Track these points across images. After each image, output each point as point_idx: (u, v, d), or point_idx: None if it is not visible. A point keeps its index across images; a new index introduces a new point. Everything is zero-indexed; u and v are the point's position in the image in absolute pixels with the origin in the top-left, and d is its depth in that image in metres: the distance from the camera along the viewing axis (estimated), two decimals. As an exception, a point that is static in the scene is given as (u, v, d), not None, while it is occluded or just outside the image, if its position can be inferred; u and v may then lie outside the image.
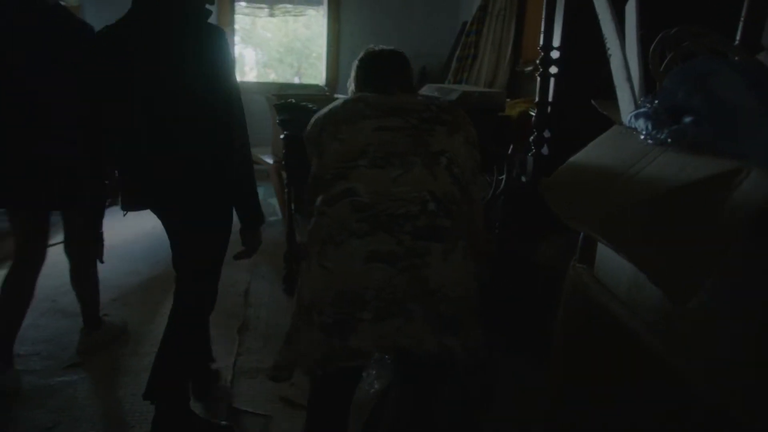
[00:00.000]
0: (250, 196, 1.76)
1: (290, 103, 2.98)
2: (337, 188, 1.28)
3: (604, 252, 1.11)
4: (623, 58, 1.10)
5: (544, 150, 2.47)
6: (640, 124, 0.96)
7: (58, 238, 3.75)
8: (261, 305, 2.95)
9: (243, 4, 6.49)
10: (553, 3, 2.35)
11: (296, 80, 7.81)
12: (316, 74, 5.90)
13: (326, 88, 5.60)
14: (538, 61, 2.44)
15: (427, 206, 1.23)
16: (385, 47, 1.70)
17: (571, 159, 1.10)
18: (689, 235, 0.78)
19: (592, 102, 1.31)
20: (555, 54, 2.39)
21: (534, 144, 2.47)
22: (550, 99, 2.43)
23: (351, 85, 1.67)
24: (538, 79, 2.43)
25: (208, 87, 1.64)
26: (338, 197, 1.27)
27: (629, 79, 1.08)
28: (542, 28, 2.39)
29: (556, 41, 2.37)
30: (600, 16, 1.21)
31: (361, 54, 1.69)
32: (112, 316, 2.68)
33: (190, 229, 1.80)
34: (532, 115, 3.10)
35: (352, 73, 1.67)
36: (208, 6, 1.78)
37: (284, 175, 3.94)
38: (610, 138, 1.07)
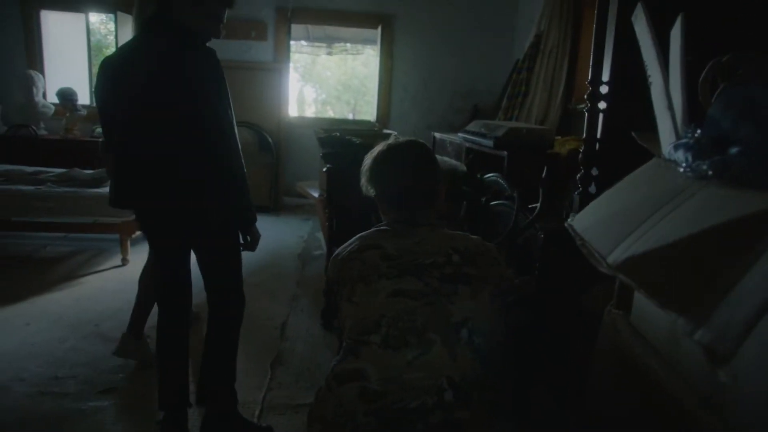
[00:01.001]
0: (244, 200, 1.91)
1: (334, 137, 2.98)
2: (348, 365, 1.16)
3: (641, 297, 1.00)
4: (664, 86, 1.01)
5: (592, 188, 2.34)
6: (680, 155, 0.86)
7: (106, 263, 3.88)
8: (297, 339, 2.89)
9: (303, 43, 6.70)
10: (603, 36, 2.26)
11: (350, 116, 7.93)
12: (372, 111, 5.96)
13: (377, 124, 5.64)
14: (586, 96, 2.34)
15: (444, 396, 1.10)
16: (410, 143, 1.48)
17: (604, 194, 1.00)
18: (732, 282, 0.67)
19: (633, 134, 1.22)
20: (604, 89, 2.29)
21: (581, 182, 2.35)
22: (598, 135, 2.31)
23: (368, 188, 1.49)
24: (586, 114, 2.33)
25: (193, 105, 1.76)
26: (347, 377, 1.15)
27: (670, 107, 0.99)
28: (591, 62, 2.30)
29: (606, 75, 2.27)
30: (640, 42, 1.13)
31: (380, 153, 1.47)
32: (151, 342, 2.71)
33: (201, 240, 1.96)
34: (580, 153, 2.98)
35: (367, 175, 1.47)
36: (208, 27, 1.85)
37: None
38: (647, 171, 0.97)
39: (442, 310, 1.18)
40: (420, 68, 5.68)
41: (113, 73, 1.87)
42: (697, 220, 0.73)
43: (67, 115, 5.21)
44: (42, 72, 5.30)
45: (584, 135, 2.36)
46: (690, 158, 0.83)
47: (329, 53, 8.26)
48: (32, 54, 5.33)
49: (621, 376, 1.01)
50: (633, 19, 1.16)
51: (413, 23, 5.53)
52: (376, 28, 5.60)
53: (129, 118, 1.82)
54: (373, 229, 1.40)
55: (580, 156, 2.39)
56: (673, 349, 0.89)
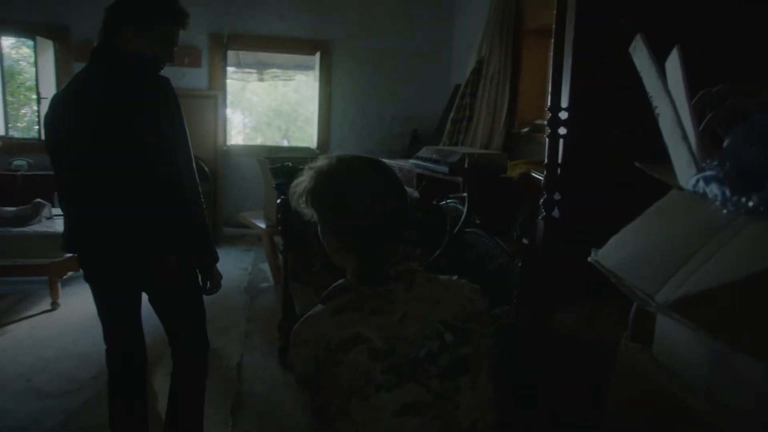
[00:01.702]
0: (203, 238, 1.80)
1: (287, 167, 2.89)
2: None
3: (668, 330, 0.99)
4: (676, 118, 1.01)
5: (555, 213, 2.37)
6: (713, 189, 0.85)
7: (34, 309, 3.55)
8: (255, 380, 2.74)
9: (233, 69, 6.53)
10: (560, 63, 2.31)
11: (285, 143, 7.81)
12: (304, 137, 5.88)
13: (317, 151, 5.56)
14: (546, 122, 2.38)
15: None
16: (372, 159, 1.21)
17: (627, 229, 0.98)
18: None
19: (637, 164, 1.22)
20: (563, 114, 2.33)
21: (544, 207, 2.37)
22: (559, 160, 2.35)
23: (317, 218, 1.18)
24: (547, 140, 2.36)
25: (145, 140, 1.65)
26: None
27: (685, 138, 0.98)
28: (549, 89, 2.34)
29: (564, 101, 2.32)
30: (642, 74, 1.13)
31: (341, 170, 1.15)
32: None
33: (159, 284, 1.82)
34: (533, 177, 3.03)
35: (318, 200, 1.15)
36: (160, 53, 1.78)
37: (278, 240, 3.83)
38: (672, 205, 0.96)
39: (451, 421, 1.05)
40: (358, 94, 5.66)
41: (61, 109, 1.74)
42: (756, 257, 0.71)
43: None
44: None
45: (546, 160, 2.40)
46: (727, 192, 0.82)
47: (260, 79, 8.09)
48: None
49: (649, 414, 0.99)
50: (631, 50, 1.17)
51: (351, 49, 5.52)
52: (314, 54, 5.55)
53: (78, 155, 1.70)
54: (337, 298, 1.10)
55: (543, 181, 2.41)
56: (714, 384, 0.87)
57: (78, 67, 5.46)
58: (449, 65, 5.68)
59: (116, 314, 1.87)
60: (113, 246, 1.73)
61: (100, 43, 1.75)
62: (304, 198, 1.16)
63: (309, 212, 1.18)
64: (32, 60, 7.19)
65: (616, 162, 2.35)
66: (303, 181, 1.16)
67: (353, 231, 1.13)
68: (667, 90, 1.05)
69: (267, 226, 4.02)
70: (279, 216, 2.98)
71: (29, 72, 7.47)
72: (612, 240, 1.00)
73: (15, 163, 4.85)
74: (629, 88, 2.29)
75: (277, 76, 8.88)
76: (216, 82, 5.28)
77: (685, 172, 0.98)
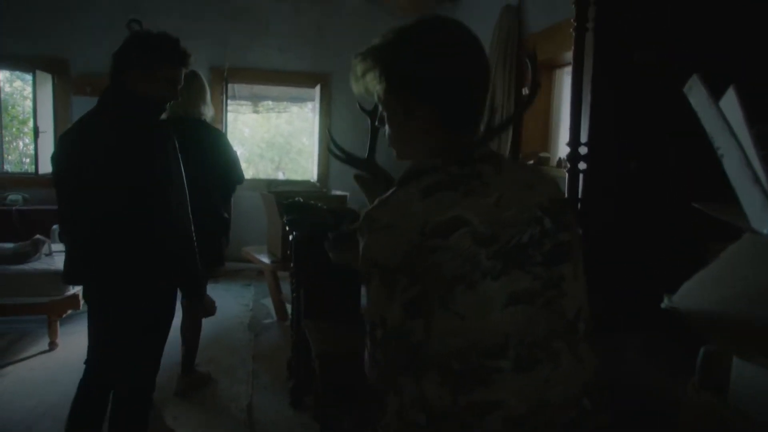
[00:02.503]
0: (191, 270, 1.92)
1: (298, 203, 2.84)
2: (479, 397, 0.93)
3: (746, 376, 0.95)
4: (745, 159, 0.99)
5: (577, 248, 2.34)
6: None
7: (31, 349, 3.41)
8: (268, 422, 2.65)
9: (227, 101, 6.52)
10: (579, 98, 2.32)
11: (280, 175, 7.76)
12: (298, 169, 5.85)
13: (318, 184, 5.52)
14: (565, 157, 2.37)
15: (583, 405, 0.97)
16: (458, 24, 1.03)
17: (702, 274, 0.95)
18: None
19: (696, 205, 1.19)
20: (583, 150, 2.33)
21: (565, 242, 2.35)
22: (579, 195, 2.34)
23: (372, 90, 1.05)
24: (567, 175, 2.35)
25: (145, 179, 1.79)
26: (483, 411, 0.93)
27: (758, 181, 0.96)
28: (570, 124, 2.34)
29: (584, 137, 2.32)
30: (700, 114, 1.12)
31: (426, 24, 1.02)
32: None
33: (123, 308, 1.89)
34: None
35: (401, 55, 1.00)
36: (163, 93, 1.92)
37: (282, 275, 3.72)
38: (751, 249, 0.94)
39: (558, 309, 0.97)
40: (358, 126, 5.64)
41: (69, 147, 1.88)
42: None
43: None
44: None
45: (565, 196, 2.38)
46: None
47: (255, 111, 8.10)
48: None
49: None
50: (686, 91, 1.16)
51: (349, 82, 5.53)
52: (313, 87, 5.57)
53: (79, 192, 1.84)
54: (420, 180, 0.96)
55: (563, 216, 2.39)
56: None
57: (77, 100, 5.39)
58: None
59: (102, 337, 2.00)
60: (108, 279, 1.86)
61: (108, 86, 1.90)
62: (373, 67, 1.02)
63: (375, 88, 1.04)
64: (25, 93, 7.15)
65: (635, 194, 2.36)
66: (392, 39, 1.02)
67: (440, 95, 1.00)
68: (732, 131, 1.03)
69: (271, 261, 3.95)
70: (290, 252, 2.92)
71: (22, 105, 7.42)
72: (687, 286, 0.97)
73: (10, 197, 4.75)
74: (647, 121, 2.32)
75: (271, 109, 8.91)
76: (216, 114, 5.25)
77: (758, 215, 0.96)
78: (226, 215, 2.93)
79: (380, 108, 1.06)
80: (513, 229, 0.95)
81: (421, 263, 0.92)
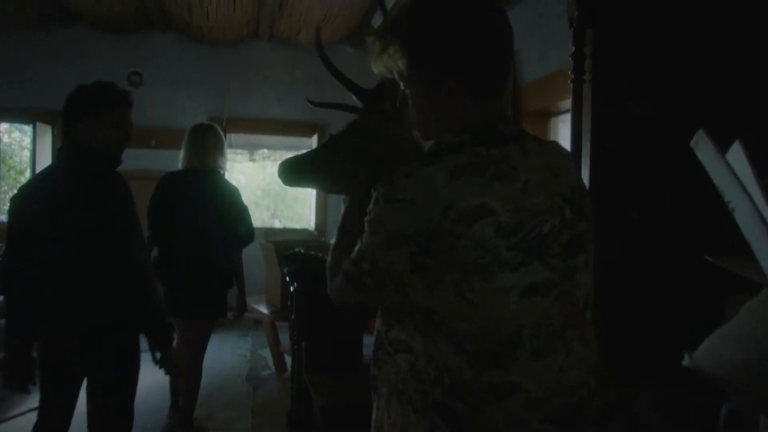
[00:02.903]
0: (157, 319, 1.96)
1: (299, 254, 2.83)
2: (498, 378, 0.92)
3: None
4: (757, 213, 1.00)
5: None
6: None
7: (23, 406, 3.30)
8: (270, 483, 2.56)
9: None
10: (579, 147, 2.35)
11: (276, 223, 7.75)
12: (294, 216, 5.85)
13: (316, 233, 5.52)
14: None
15: (590, 383, 0.99)
16: None
17: (722, 331, 0.94)
18: None
19: (707, 258, 1.19)
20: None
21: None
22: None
23: (394, 61, 1.01)
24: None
25: (100, 230, 1.84)
26: (504, 393, 0.92)
27: (773, 235, 0.96)
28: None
29: (586, 185, 2.33)
30: (708, 168, 1.13)
31: None
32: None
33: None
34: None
35: (415, 37, 0.97)
36: (115, 140, 1.95)
37: (280, 324, 3.67)
38: (770, 304, 0.93)
39: (572, 299, 0.97)
40: (355, 174, 5.70)
41: (21, 199, 1.90)
42: None
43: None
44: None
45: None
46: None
47: (252, 160, 8.16)
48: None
49: None
50: (693, 145, 1.17)
51: (347, 131, 5.60)
52: (311, 136, 5.63)
53: (34, 247, 1.84)
54: (448, 158, 0.92)
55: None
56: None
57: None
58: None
59: (59, 398, 1.92)
60: (65, 329, 1.85)
61: (63, 143, 1.98)
62: (394, 42, 0.98)
63: (391, 64, 1.01)
64: (23, 143, 7.19)
65: (637, 243, 2.36)
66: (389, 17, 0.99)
67: (465, 64, 0.95)
68: (742, 185, 1.04)
69: (270, 312, 3.91)
70: (290, 302, 2.89)
71: (20, 155, 7.44)
72: (707, 343, 0.96)
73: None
74: (645, 169, 2.35)
75: (267, 157, 8.97)
76: (214, 164, 5.29)
77: (776, 270, 0.95)
78: (232, 266, 3.01)
79: (401, 86, 1.03)
80: (535, 219, 0.93)
81: (439, 245, 0.90)
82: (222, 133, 3.12)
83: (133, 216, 1.96)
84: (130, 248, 1.89)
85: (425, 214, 0.90)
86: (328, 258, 1.15)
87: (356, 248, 1.00)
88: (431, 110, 1.01)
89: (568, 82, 2.35)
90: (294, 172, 1.37)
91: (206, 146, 2.95)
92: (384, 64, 1.02)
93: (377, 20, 4.52)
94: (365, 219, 0.97)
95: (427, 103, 1.00)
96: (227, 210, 2.91)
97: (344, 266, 1.02)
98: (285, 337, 3.60)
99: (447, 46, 0.95)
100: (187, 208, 2.86)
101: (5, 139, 7.56)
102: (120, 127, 1.94)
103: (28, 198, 1.89)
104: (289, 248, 3.08)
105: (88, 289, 1.82)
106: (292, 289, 2.72)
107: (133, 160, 5.27)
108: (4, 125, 6.71)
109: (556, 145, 1.09)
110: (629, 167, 2.33)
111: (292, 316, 2.77)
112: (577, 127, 2.34)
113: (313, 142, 5.68)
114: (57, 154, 1.97)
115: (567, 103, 3.72)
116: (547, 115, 4.12)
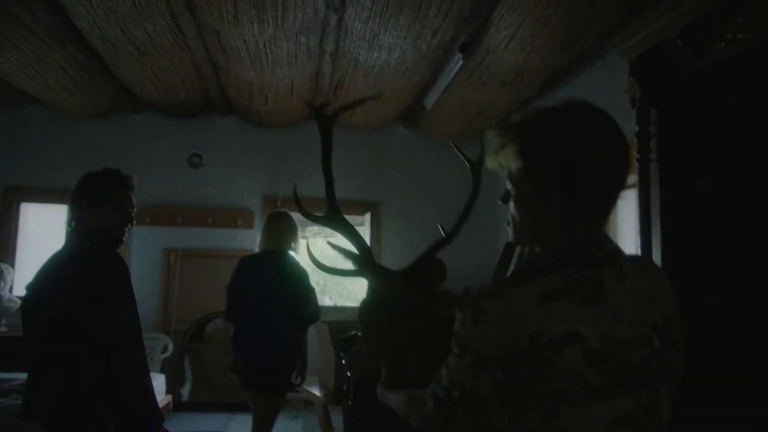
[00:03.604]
0: (140, 409, 1.92)
1: (355, 336, 2.76)
2: None
3: None
4: None
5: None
6: None
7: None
8: None
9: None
10: (648, 229, 2.26)
11: (327, 300, 7.72)
12: (342, 292, 5.80)
13: (367, 311, 5.44)
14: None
15: None
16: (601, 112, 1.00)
17: None
18: None
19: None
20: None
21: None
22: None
23: (506, 163, 1.01)
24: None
25: (94, 320, 1.83)
26: None
27: None
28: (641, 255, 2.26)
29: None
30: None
31: (579, 113, 1.00)
32: None
33: None
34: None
35: (529, 144, 0.98)
36: (118, 221, 1.99)
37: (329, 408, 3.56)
38: None
39: (653, 417, 0.93)
40: (406, 252, 5.66)
41: (29, 287, 1.93)
42: None
43: (34, 310, 4.80)
44: (13, 264, 4.98)
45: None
46: None
47: (303, 237, 8.28)
48: (5, 246, 5.06)
49: None
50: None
51: (398, 210, 5.64)
52: (363, 214, 5.68)
53: (32, 332, 1.87)
54: (537, 280, 0.91)
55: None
56: None
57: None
58: (495, 223, 5.72)
59: None
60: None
61: (70, 228, 2.01)
62: (513, 142, 0.99)
63: (510, 163, 1.00)
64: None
65: (717, 331, 2.20)
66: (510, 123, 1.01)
67: (574, 182, 0.94)
68: None
69: (323, 394, 3.80)
70: (346, 387, 2.80)
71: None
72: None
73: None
74: (721, 250, 2.22)
75: (317, 233, 9.08)
76: (267, 242, 5.37)
77: None
78: (298, 344, 3.17)
79: (509, 186, 1.03)
80: (625, 347, 0.90)
81: (527, 371, 0.88)
82: (294, 220, 3.38)
83: (124, 302, 1.97)
84: (116, 335, 1.88)
85: (513, 338, 0.88)
86: (399, 408, 1.14)
87: (443, 371, 0.97)
88: (531, 216, 1.01)
89: (633, 161, 2.30)
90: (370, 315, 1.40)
91: (281, 230, 3.28)
92: (498, 161, 1.03)
93: (430, 100, 4.62)
94: (452, 341, 0.95)
95: (530, 208, 1.00)
96: (297, 292, 3.16)
97: (434, 390, 0.97)
98: (337, 419, 3.48)
99: (561, 161, 0.95)
100: (260, 289, 3.13)
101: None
102: (121, 210, 2.01)
103: (33, 282, 1.96)
104: (343, 330, 3.02)
105: (72, 370, 1.81)
106: (349, 374, 2.65)
107: (191, 238, 5.50)
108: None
109: (651, 265, 1.07)
110: (704, 248, 2.22)
111: (349, 403, 2.68)
112: (645, 206, 2.27)
113: (366, 219, 5.71)
114: (65, 238, 2.03)
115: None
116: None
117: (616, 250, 0.99)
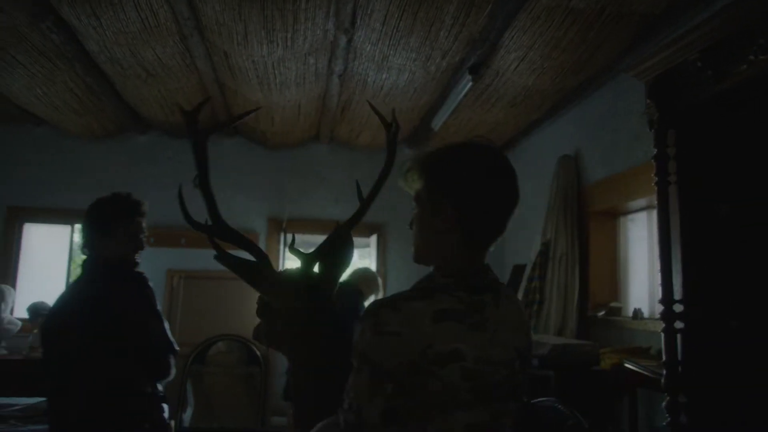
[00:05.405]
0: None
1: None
2: None
3: None
4: None
5: (683, 418, 2.10)
6: None
7: None
8: None
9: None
10: (668, 253, 2.21)
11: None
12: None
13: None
14: (659, 315, 2.21)
15: None
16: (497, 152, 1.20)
17: None
18: None
19: None
20: (678, 307, 2.17)
21: (669, 411, 2.12)
22: (679, 357, 2.14)
23: (415, 187, 1.18)
24: (663, 335, 2.18)
25: (118, 339, 1.93)
26: None
27: None
28: (660, 280, 2.21)
29: (678, 293, 2.18)
30: None
31: (478, 152, 1.16)
32: None
33: None
34: (627, 368, 2.78)
35: (431, 175, 1.15)
36: (129, 248, 2.08)
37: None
38: None
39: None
40: (412, 275, 5.60)
41: (53, 314, 1.99)
42: None
43: (35, 331, 4.73)
44: (14, 285, 4.92)
45: (663, 357, 2.20)
46: None
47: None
48: (6, 267, 5.00)
49: None
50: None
51: (404, 231, 5.56)
52: (369, 236, 5.63)
53: (64, 359, 1.90)
54: (434, 298, 1.02)
55: (663, 381, 2.18)
56: None
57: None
58: (501, 245, 5.66)
59: None
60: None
61: (84, 258, 2.08)
62: (416, 166, 1.16)
63: (414, 186, 1.17)
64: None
65: (740, 357, 2.14)
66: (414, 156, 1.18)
67: (466, 202, 1.11)
68: None
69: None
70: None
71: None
72: None
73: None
74: (739, 274, 2.17)
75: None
76: (275, 263, 5.31)
77: None
78: None
79: (413, 207, 1.19)
80: (493, 368, 1.04)
81: (413, 380, 0.98)
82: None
83: (156, 319, 2.04)
84: (124, 369, 1.92)
85: (408, 349, 0.98)
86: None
87: (345, 392, 1.04)
88: (429, 240, 1.16)
89: (652, 184, 2.26)
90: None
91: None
92: (405, 181, 1.20)
93: (437, 122, 4.60)
94: (352, 353, 1.04)
95: (427, 225, 1.15)
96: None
97: (339, 414, 1.03)
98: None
99: (455, 182, 1.12)
100: None
101: (78, 238, 7.88)
102: (134, 237, 2.07)
103: (52, 308, 2.01)
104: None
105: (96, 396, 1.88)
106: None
107: (194, 260, 5.43)
108: (78, 225, 7.01)
109: (515, 298, 1.21)
110: (725, 271, 2.17)
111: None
112: (664, 228, 2.22)
113: (372, 241, 5.67)
114: (80, 269, 2.08)
115: (638, 202, 3.62)
116: (615, 214, 3.99)
117: (496, 281, 1.15)
